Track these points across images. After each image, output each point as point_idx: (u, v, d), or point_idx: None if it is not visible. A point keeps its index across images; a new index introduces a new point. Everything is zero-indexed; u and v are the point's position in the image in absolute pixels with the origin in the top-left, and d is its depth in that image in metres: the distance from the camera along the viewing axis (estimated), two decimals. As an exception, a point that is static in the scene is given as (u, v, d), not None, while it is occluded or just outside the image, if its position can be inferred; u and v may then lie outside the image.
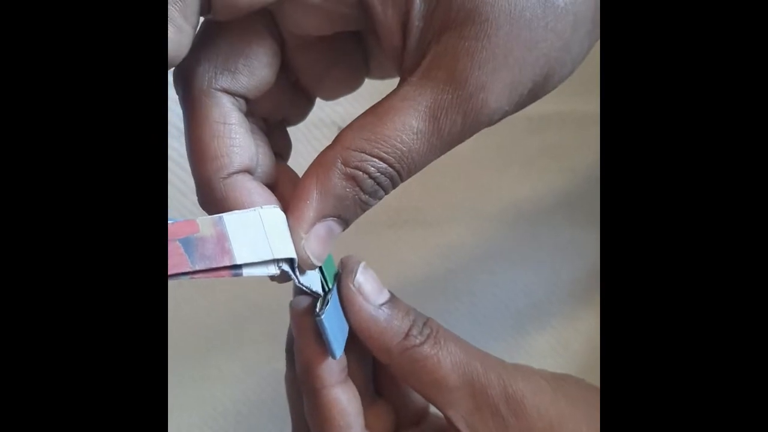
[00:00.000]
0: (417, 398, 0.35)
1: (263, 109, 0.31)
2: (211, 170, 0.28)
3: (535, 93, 0.28)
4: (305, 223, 0.28)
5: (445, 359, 0.31)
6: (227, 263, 0.26)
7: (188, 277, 0.25)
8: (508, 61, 0.27)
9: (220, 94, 0.29)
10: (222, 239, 0.26)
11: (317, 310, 0.30)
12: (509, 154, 0.52)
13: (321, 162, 0.28)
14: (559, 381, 0.33)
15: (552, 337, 0.53)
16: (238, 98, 0.29)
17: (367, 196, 0.28)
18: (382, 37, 0.28)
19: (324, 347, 0.30)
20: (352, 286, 0.31)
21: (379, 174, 0.28)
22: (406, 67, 0.28)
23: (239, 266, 0.26)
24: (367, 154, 0.27)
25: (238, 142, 0.28)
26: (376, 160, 0.27)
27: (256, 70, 0.29)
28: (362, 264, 0.32)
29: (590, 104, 0.51)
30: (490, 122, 0.28)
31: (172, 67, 0.26)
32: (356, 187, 0.28)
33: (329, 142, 0.28)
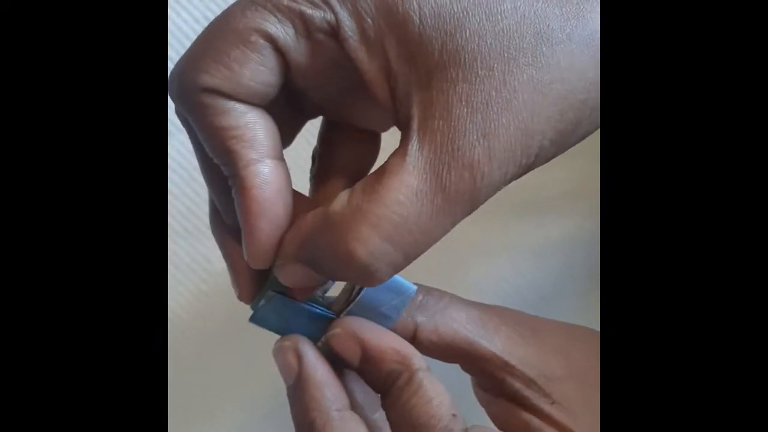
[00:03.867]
0: None
1: None
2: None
3: (562, 142, 0.26)
4: (290, 277, 0.28)
5: (454, 301, 0.32)
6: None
7: None
8: (512, 104, 0.25)
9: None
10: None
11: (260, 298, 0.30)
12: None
13: (309, 218, 0.27)
14: (566, 323, 0.35)
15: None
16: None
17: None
18: (371, 90, 0.26)
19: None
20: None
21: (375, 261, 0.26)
22: (400, 120, 0.26)
23: None
24: (367, 227, 0.25)
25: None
26: (373, 240, 0.25)
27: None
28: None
29: None
30: (507, 177, 0.25)
31: None
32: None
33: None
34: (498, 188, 0.26)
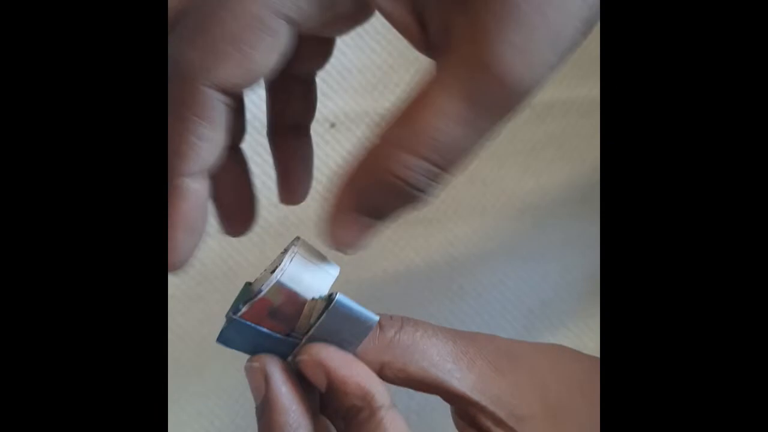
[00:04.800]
0: None
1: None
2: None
3: (590, 29, 0.26)
4: (348, 231, 0.27)
5: (428, 334, 0.32)
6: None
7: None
8: (547, 15, 0.24)
9: (209, 91, 0.26)
10: (293, 297, 0.30)
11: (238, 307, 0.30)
12: (511, 145, 0.50)
13: (365, 165, 0.26)
14: (547, 344, 0.35)
15: (564, 336, 0.52)
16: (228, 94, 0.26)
17: (410, 198, 0.26)
18: (399, 29, 0.26)
19: None
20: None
21: (423, 178, 0.26)
22: (433, 47, 0.26)
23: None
24: (410, 155, 0.25)
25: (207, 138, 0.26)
26: (421, 161, 0.25)
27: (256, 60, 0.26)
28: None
29: (595, 90, 0.50)
30: (541, 82, 0.25)
31: None
32: (398, 193, 0.26)
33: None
34: (533, 92, 0.25)
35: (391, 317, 0.32)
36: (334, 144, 0.47)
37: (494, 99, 0.25)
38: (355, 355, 0.31)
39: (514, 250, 0.51)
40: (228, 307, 0.30)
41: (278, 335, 0.30)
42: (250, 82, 0.26)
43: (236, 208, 0.32)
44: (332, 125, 0.47)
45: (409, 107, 0.25)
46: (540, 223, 0.51)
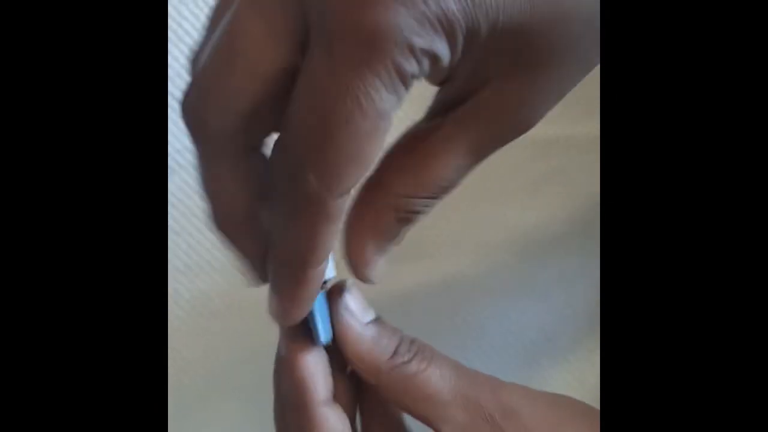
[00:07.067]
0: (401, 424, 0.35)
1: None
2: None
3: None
4: (370, 265, 0.30)
5: (434, 374, 0.31)
6: None
7: None
8: (562, 85, 0.27)
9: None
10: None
11: None
12: (513, 180, 0.51)
13: (373, 208, 0.29)
14: (555, 397, 0.33)
15: (567, 371, 0.52)
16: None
17: (415, 222, 0.29)
18: (427, 78, 0.27)
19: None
20: (340, 304, 0.31)
21: (428, 207, 0.29)
22: (442, 101, 0.28)
23: None
24: (414, 198, 0.28)
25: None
26: (425, 200, 0.28)
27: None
28: (349, 281, 0.32)
29: (596, 127, 0.51)
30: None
31: None
32: (408, 223, 0.29)
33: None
34: None
35: (411, 341, 0.32)
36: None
37: (493, 151, 0.28)
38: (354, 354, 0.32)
39: (515, 283, 0.51)
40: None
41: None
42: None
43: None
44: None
45: (420, 158, 0.28)
46: (542, 257, 0.51)
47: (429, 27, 0.23)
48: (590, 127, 0.49)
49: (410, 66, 0.23)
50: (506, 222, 0.51)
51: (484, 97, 0.26)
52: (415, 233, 0.50)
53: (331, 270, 0.31)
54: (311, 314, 0.30)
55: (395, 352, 0.32)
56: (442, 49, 0.24)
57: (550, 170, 0.51)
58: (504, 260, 0.51)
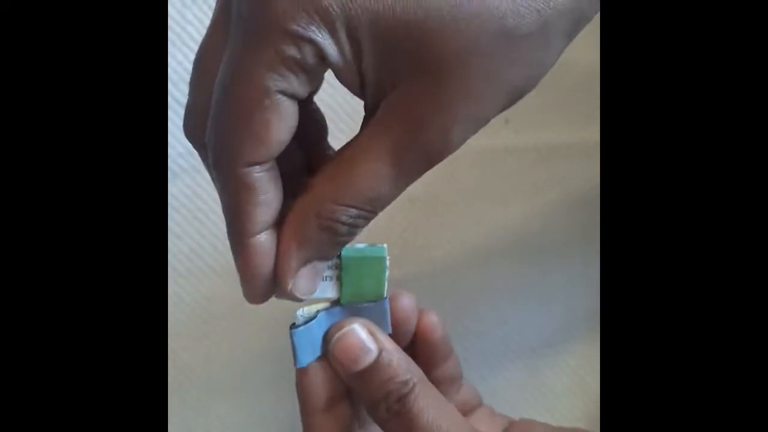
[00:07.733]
0: None
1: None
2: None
3: (505, 107, 0.28)
4: (289, 272, 0.30)
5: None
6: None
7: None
8: (468, 98, 0.27)
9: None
10: None
11: (295, 322, 0.32)
12: (516, 187, 0.51)
13: (297, 213, 0.29)
14: (564, 431, 0.33)
15: (567, 376, 0.52)
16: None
17: (343, 237, 0.29)
18: (345, 85, 0.28)
19: None
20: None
21: (352, 219, 0.29)
22: (367, 108, 0.28)
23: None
24: (339, 205, 0.28)
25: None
26: (350, 209, 0.28)
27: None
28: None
29: (597, 134, 0.51)
30: (452, 152, 0.28)
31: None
32: (332, 234, 0.29)
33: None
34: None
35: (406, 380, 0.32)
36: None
37: (418, 166, 0.28)
38: None
39: (517, 290, 0.51)
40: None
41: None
42: (279, 150, 0.28)
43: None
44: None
45: (343, 165, 0.28)
46: (543, 263, 0.51)
47: (306, 15, 0.25)
48: (590, 133, 0.49)
49: (290, 51, 0.26)
50: (507, 227, 0.51)
51: (393, 99, 0.27)
52: (416, 238, 0.50)
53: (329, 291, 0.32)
54: (290, 338, 0.31)
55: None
56: (324, 39, 0.26)
57: (553, 176, 0.51)
58: (505, 265, 0.51)
